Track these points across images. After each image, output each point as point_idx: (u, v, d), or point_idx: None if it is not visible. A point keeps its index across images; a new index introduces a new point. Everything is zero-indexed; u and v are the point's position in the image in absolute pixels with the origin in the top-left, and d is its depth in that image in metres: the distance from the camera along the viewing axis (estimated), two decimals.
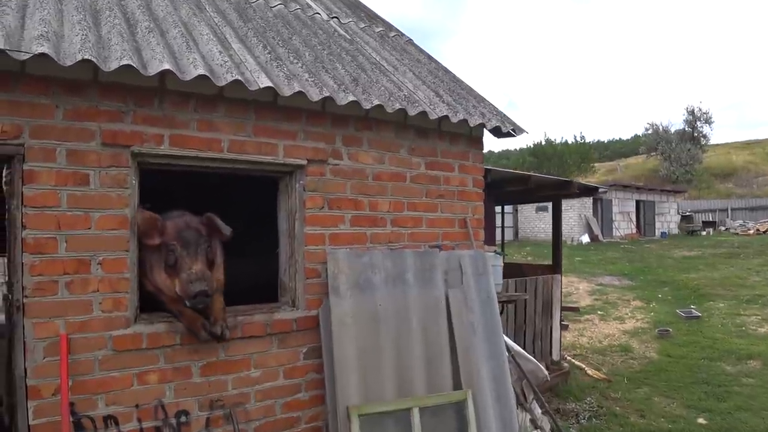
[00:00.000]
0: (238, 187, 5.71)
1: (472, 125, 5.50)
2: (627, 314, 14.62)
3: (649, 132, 49.08)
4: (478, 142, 5.97)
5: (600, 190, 9.01)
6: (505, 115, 6.19)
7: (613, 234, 32.30)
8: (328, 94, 4.35)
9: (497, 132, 6.06)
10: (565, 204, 31.99)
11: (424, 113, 5.05)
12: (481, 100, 6.35)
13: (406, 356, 4.82)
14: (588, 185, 8.54)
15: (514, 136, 6.17)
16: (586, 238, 30.32)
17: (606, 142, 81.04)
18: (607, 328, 13.13)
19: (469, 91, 6.54)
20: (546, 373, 6.90)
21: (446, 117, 5.21)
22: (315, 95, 4.27)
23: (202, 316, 3.77)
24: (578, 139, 48.75)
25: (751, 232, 30.68)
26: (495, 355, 5.51)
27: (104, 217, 3.64)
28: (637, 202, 34.16)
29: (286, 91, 4.11)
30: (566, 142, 47.00)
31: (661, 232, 34.05)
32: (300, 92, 4.16)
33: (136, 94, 3.77)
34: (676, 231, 35.40)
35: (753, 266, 20.50)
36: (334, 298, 4.46)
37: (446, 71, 6.92)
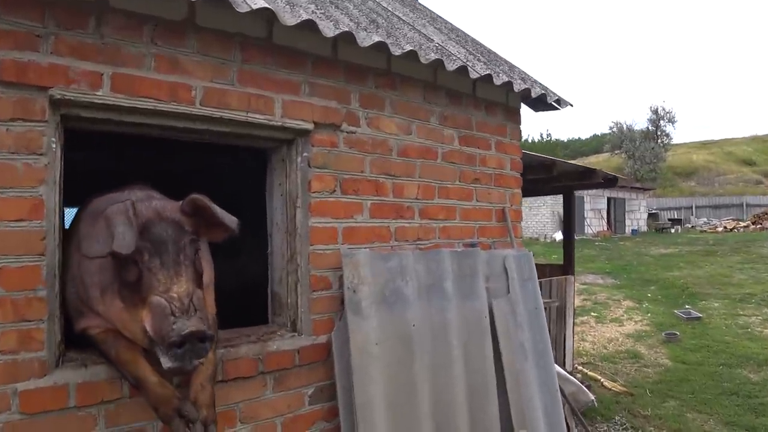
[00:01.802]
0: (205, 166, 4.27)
1: (516, 90, 4.19)
2: (623, 316, 13.58)
3: (614, 130, 48.81)
4: (516, 114, 4.69)
5: (618, 181, 7.78)
6: (544, 84, 4.88)
7: (585, 231, 31.59)
8: (346, 29, 2.97)
9: (537, 104, 4.78)
10: (538, 201, 31.15)
11: (463, 70, 3.72)
12: (512, 66, 5.05)
13: (445, 392, 3.48)
14: (608, 175, 7.31)
15: (557, 108, 4.90)
16: (559, 235, 29.47)
17: (566, 141, 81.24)
18: (607, 332, 12.03)
19: (496, 55, 5.23)
20: (591, 396, 5.66)
21: (488, 77, 3.89)
22: (329, 30, 2.89)
23: (175, 389, 2.35)
24: (545, 137, 48.12)
25: (720, 229, 30.37)
26: (547, 383, 4.22)
27: (3, 201, 2.20)
28: (608, 200, 33.56)
29: (289, 20, 2.73)
30: (533, 140, 46.33)
31: (632, 230, 33.55)
32: (309, 22, 2.78)
33: (61, 11, 2.33)
34: (645, 228, 34.97)
35: (733, 264, 19.86)
36: (353, 318, 3.09)
37: (465, 33, 5.60)
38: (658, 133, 46.58)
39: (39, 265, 2.24)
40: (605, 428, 6.77)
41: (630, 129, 47.40)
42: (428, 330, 3.44)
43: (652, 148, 44.63)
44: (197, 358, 1.97)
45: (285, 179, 3.17)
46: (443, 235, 3.93)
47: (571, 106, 5.05)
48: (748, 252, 22.01)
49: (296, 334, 3.11)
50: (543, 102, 4.75)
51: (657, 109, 46.56)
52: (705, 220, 35.64)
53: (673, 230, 33.09)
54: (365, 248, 3.35)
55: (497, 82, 4.03)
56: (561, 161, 6.96)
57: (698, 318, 12.76)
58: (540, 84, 4.77)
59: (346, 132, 3.32)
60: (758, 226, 29.65)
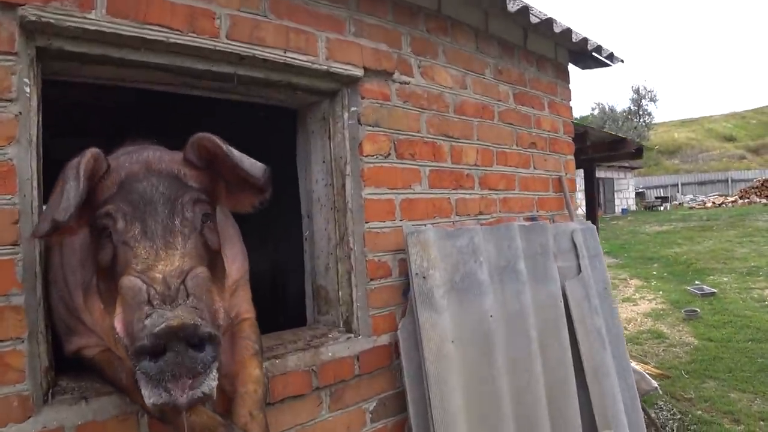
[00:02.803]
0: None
1: (575, 39, 3.51)
2: (634, 295, 13.02)
3: (596, 111, 48.32)
4: (565, 72, 4.02)
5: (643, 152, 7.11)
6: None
7: (576, 212, 31.10)
8: None
9: (587, 60, 4.11)
10: None
11: (525, 11, 3.03)
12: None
13: (526, 393, 2.81)
14: (639, 145, 6.65)
15: (608, 65, 4.22)
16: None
17: None
18: (623, 312, 11.44)
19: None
20: (654, 384, 5.03)
21: (548, 22, 3.21)
22: None
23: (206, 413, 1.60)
24: None
25: (709, 205, 30.00)
26: (624, 375, 3.56)
27: None
28: (597, 179, 33.06)
29: None
30: None
31: (622, 209, 33.04)
32: None
33: None
34: (634, 207, 34.54)
35: (732, 238, 19.45)
36: (425, 312, 2.39)
37: None
38: (641, 112, 46.17)
39: (11, 260, 1.50)
40: (654, 415, 6.17)
41: (612, 110, 46.94)
42: (504, 321, 2.76)
43: (635, 128, 44.21)
44: (192, 377, 1.21)
45: (328, 141, 2.45)
46: (504, 208, 3.25)
47: (622, 62, 4.39)
48: (743, 226, 21.64)
49: (352, 335, 2.41)
50: (593, 58, 4.09)
51: (638, 88, 46.07)
52: (691, 196, 35.25)
53: (661, 208, 32.72)
54: (428, 225, 2.65)
55: (557, 29, 3.35)
56: (593, 129, 6.25)
57: (713, 293, 12.24)
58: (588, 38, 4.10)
59: (399, 83, 2.61)
60: (746, 201, 29.35)
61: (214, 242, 1.47)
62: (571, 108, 4.03)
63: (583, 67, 4.30)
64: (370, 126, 2.45)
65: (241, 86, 2.13)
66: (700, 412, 6.42)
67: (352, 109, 2.42)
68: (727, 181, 36.29)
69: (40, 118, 1.67)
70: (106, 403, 1.63)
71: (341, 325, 2.44)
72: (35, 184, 1.60)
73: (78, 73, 1.82)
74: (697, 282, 13.73)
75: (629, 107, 46.98)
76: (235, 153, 1.48)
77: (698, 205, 31.55)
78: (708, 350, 8.80)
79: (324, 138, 2.47)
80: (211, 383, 1.25)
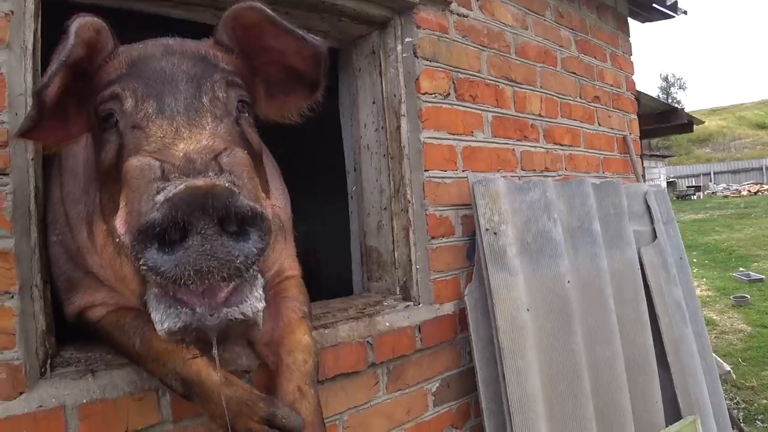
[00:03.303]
0: None
1: None
2: None
3: None
4: (625, 24, 3.59)
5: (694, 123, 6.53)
6: None
7: None
8: None
9: (648, 11, 3.67)
10: None
11: None
12: None
13: (605, 370, 2.39)
14: (691, 117, 6.11)
15: (671, 16, 3.79)
16: None
17: None
18: None
19: None
20: (727, 367, 4.58)
21: None
22: None
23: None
24: None
25: (744, 193, 29.00)
26: (704, 354, 3.13)
27: None
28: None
29: None
30: None
31: None
32: None
33: None
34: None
35: None
36: (497, 274, 1.99)
37: None
38: (670, 100, 45.00)
39: None
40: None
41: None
42: (581, 288, 2.35)
43: None
44: (229, 281, 0.82)
45: (379, 79, 2.06)
46: (570, 165, 2.83)
47: (685, 13, 3.94)
48: None
49: (411, 303, 2.02)
50: (654, 9, 3.66)
51: (667, 76, 44.95)
52: (724, 185, 34.07)
53: (694, 197, 31.76)
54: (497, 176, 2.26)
55: None
56: (644, 94, 5.71)
57: (760, 279, 11.60)
58: None
59: (457, 14, 2.21)
60: None
61: (254, 142, 1.08)
62: (632, 63, 3.60)
63: (643, 20, 3.86)
64: (426, 60, 2.06)
65: (279, 5, 1.75)
66: (765, 401, 5.92)
67: (407, 40, 2.03)
68: (761, 168, 35.02)
69: (39, 25, 1.32)
70: (119, 378, 1.26)
71: (397, 292, 2.06)
72: (31, 102, 1.25)
73: None
74: (741, 269, 13.10)
75: (658, 95, 45.88)
76: (284, 23, 1.09)
77: (733, 193, 30.55)
78: (763, 337, 8.24)
79: (374, 75, 2.08)
80: (255, 303, 0.86)
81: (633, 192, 2.97)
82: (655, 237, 2.94)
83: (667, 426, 2.68)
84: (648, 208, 2.99)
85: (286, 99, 1.22)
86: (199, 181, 0.76)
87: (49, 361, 1.22)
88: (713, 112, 52.87)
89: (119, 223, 0.85)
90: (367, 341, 1.79)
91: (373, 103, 2.09)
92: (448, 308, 2.07)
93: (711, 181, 35.90)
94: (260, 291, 0.88)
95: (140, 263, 0.76)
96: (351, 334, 1.76)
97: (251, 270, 0.81)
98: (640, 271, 2.75)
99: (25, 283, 1.16)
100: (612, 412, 2.38)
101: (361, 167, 2.16)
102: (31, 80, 1.25)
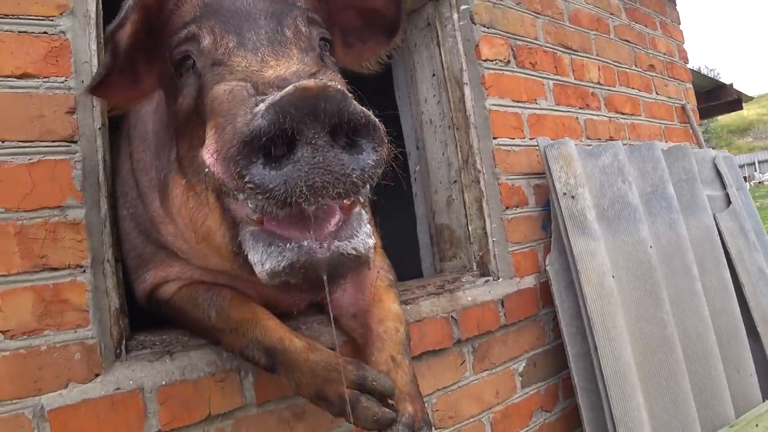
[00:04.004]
0: None
1: None
2: None
3: None
4: None
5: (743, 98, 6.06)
6: None
7: None
8: None
9: None
10: None
11: None
12: None
13: (697, 342, 2.13)
14: (740, 93, 5.68)
15: None
16: None
17: None
18: None
19: None
20: None
21: None
22: None
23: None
24: None
25: None
26: None
27: None
28: None
29: None
30: None
31: None
32: None
33: None
34: None
35: None
36: (578, 239, 1.78)
37: None
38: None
39: (66, 161, 1.02)
40: None
41: None
42: (662, 255, 2.11)
43: None
44: (342, 186, 0.66)
45: (437, 50, 1.89)
46: (633, 134, 2.60)
47: None
48: None
49: (490, 278, 1.82)
50: None
51: (700, 68, 43.41)
52: None
53: None
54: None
55: None
56: (691, 70, 5.35)
57: None
58: None
59: None
60: None
61: (341, 83, 0.95)
62: (682, 32, 3.34)
63: None
64: (484, 27, 1.88)
65: None
66: None
67: (463, 7, 1.86)
68: None
69: None
70: (198, 359, 1.11)
71: (475, 268, 1.86)
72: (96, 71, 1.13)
73: None
74: None
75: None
76: None
77: None
78: None
79: (431, 47, 1.91)
80: (366, 239, 0.73)
81: (701, 157, 2.70)
82: (728, 203, 2.67)
83: (764, 400, 2.39)
84: (718, 173, 2.72)
85: (364, 47, 1.11)
86: (310, 82, 0.62)
87: (124, 342, 1.07)
88: (752, 100, 50.59)
89: (207, 153, 0.72)
90: (451, 316, 1.61)
91: (433, 75, 1.92)
92: (528, 281, 1.86)
93: (756, 171, 34.23)
94: (368, 227, 0.75)
95: (245, 180, 0.63)
96: (434, 309, 1.58)
97: (367, 186, 0.67)
98: (719, 237, 2.48)
99: (96, 256, 1.03)
100: (709, 386, 2.12)
101: (424, 144, 1.99)
102: (95, 48, 1.13)
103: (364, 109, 0.66)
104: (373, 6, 1.05)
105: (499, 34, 1.93)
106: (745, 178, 31.86)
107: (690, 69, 4.37)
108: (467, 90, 1.83)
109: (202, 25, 0.88)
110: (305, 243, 0.68)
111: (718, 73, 42.69)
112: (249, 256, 0.71)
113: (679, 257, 2.18)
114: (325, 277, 0.69)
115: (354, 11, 1.08)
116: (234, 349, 1.07)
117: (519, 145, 1.91)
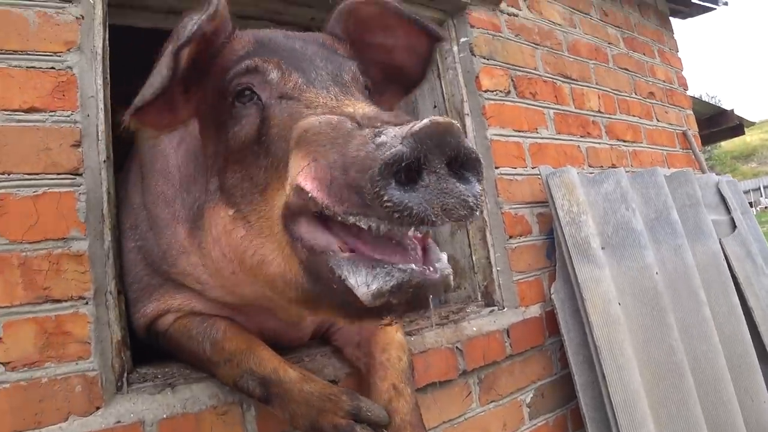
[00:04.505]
0: None
1: None
2: None
3: None
4: (666, 21, 3.39)
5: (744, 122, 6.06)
6: None
7: None
8: None
9: (690, 6, 3.47)
10: None
11: None
12: None
13: (707, 368, 2.09)
14: (741, 119, 5.68)
15: (712, 8, 3.57)
16: None
17: None
18: None
19: None
20: None
21: None
22: None
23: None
24: None
25: None
26: None
27: None
28: None
29: None
30: None
31: None
32: None
33: None
34: None
35: None
36: (583, 266, 1.77)
37: None
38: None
39: (71, 193, 1.03)
40: None
41: None
42: (668, 281, 2.09)
43: None
44: (464, 209, 0.71)
45: (438, 82, 1.92)
46: (635, 161, 2.61)
47: (726, 4, 3.71)
48: None
49: (495, 307, 1.81)
50: (694, 3, 3.46)
51: (701, 96, 43.60)
52: None
53: None
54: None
55: None
56: (692, 97, 5.37)
57: None
58: None
59: (507, 14, 2.08)
60: None
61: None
62: (680, 60, 3.38)
63: (684, 16, 3.65)
64: (484, 58, 1.91)
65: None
66: None
67: (462, 39, 1.90)
68: None
69: (107, 34, 1.23)
70: (200, 392, 1.10)
71: (479, 298, 1.85)
72: (101, 106, 1.14)
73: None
74: None
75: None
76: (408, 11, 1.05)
77: None
78: None
79: (432, 79, 1.94)
80: (447, 263, 0.80)
81: (705, 183, 2.70)
82: (733, 227, 2.65)
83: None
84: (722, 198, 2.71)
85: (380, 99, 1.14)
86: (441, 118, 0.69)
87: (125, 375, 1.06)
88: (754, 125, 50.73)
89: (305, 179, 0.75)
90: (456, 347, 1.59)
91: (434, 107, 1.95)
92: (534, 311, 1.85)
93: (762, 196, 33.94)
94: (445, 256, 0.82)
95: (384, 200, 0.67)
96: (438, 340, 1.56)
97: (479, 210, 0.73)
98: (725, 262, 2.46)
99: (99, 288, 1.03)
100: (721, 412, 2.08)
101: None
102: (101, 83, 1.15)
103: (473, 146, 0.76)
104: (400, 65, 1.12)
105: (498, 65, 1.96)
106: (750, 203, 31.61)
107: (691, 96, 4.40)
108: (468, 120, 1.85)
109: (266, 60, 0.92)
110: (415, 267, 0.73)
111: (720, 100, 42.82)
112: (349, 280, 0.73)
113: (685, 283, 2.16)
114: (430, 299, 0.75)
115: (380, 67, 1.13)
116: (229, 381, 1.07)
117: (521, 174, 1.92)
